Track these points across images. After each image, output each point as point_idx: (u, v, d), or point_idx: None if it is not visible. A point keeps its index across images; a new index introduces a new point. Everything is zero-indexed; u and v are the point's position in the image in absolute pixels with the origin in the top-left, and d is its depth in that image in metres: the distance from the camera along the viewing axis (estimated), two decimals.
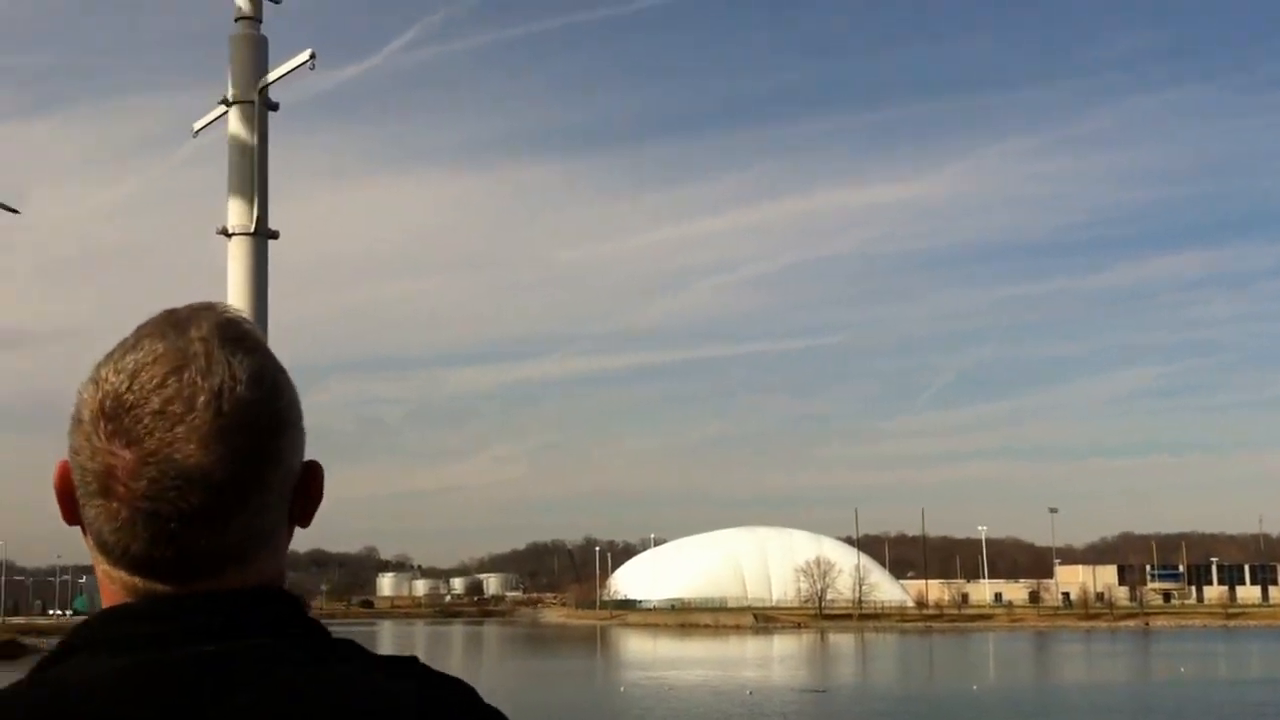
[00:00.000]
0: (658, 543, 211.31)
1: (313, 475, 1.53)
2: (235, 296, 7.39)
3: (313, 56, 7.22)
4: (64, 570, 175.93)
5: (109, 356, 1.47)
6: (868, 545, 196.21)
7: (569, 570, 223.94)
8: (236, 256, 7.47)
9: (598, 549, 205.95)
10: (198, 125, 7.81)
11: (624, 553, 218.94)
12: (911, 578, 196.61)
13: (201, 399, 1.41)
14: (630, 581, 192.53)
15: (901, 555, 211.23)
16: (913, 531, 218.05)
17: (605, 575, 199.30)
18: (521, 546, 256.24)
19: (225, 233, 7.47)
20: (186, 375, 1.42)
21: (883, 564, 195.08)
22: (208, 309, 1.51)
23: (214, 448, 1.40)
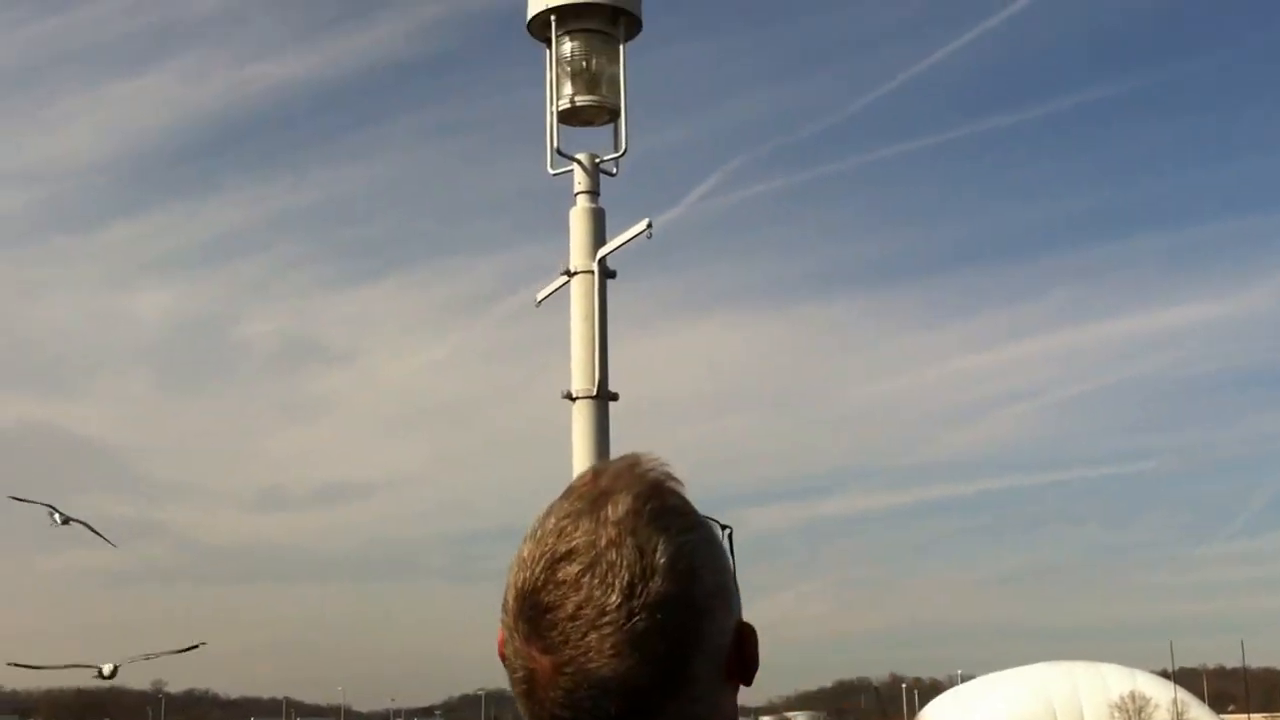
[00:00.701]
0: (965, 679, 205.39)
1: (745, 640, 1.49)
2: (581, 457, 7.69)
3: (649, 226, 7.54)
4: (397, 713, 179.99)
5: (533, 532, 1.46)
6: (1184, 678, 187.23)
7: (875, 708, 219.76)
8: (580, 420, 7.75)
9: (904, 686, 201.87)
10: (541, 295, 8.17)
11: (930, 689, 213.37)
12: (1232, 712, 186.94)
13: (613, 600, 1.39)
14: (939, 718, 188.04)
15: (1221, 688, 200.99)
16: (1232, 663, 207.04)
17: (913, 712, 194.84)
18: (828, 684, 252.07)
19: (570, 396, 7.76)
20: (599, 570, 1.40)
21: (1201, 698, 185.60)
22: (629, 472, 1.47)
23: (628, 655, 1.37)
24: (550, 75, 7.98)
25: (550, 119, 7.97)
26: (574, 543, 1.42)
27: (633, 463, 1.50)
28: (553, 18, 7.87)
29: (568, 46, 7.93)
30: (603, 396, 7.73)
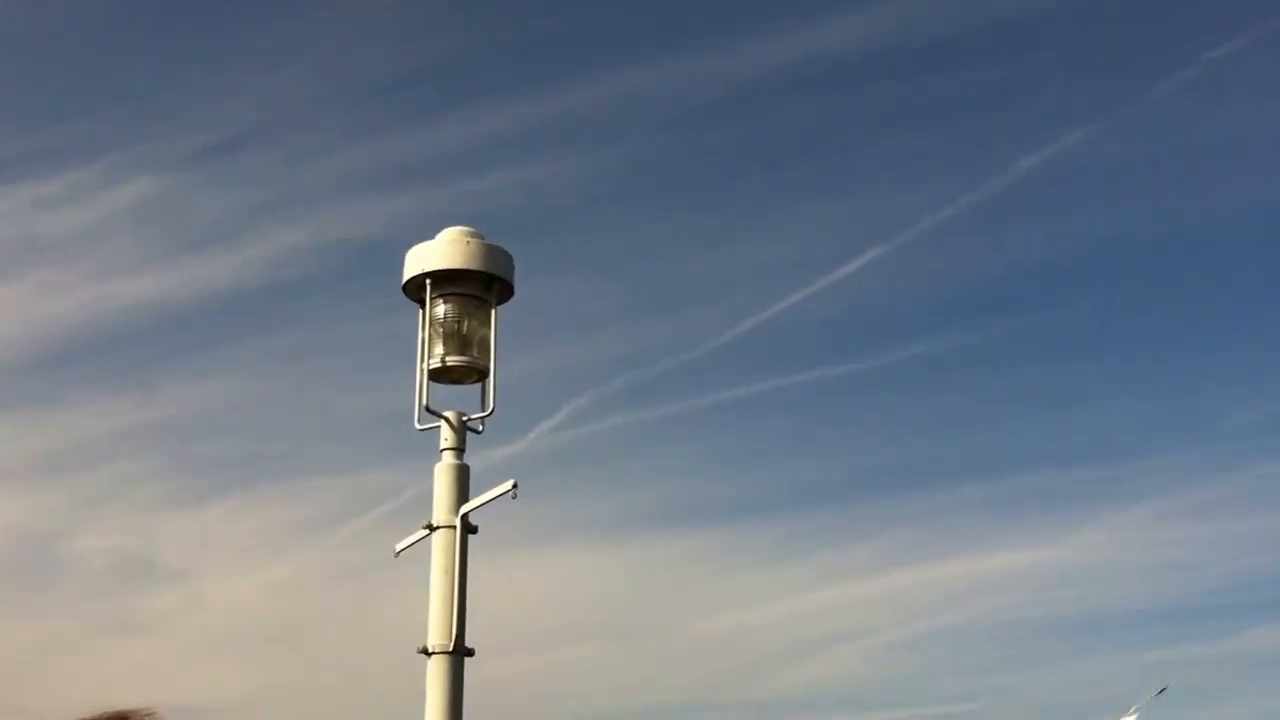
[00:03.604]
0: None
1: None
2: (434, 713, 7.70)
3: (514, 486, 7.68)
4: None
5: None
6: None
7: None
8: (435, 675, 7.73)
9: None
10: (400, 546, 8.18)
11: None
12: None
13: None
14: None
15: None
16: None
17: None
18: None
19: (425, 651, 7.78)
20: None
21: None
22: None
23: None
24: (423, 334, 8.08)
25: (421, 376, 8.06)
26: None
27: (119, 716, 1.30)
28: (428, 281, 8.06)
29: (441, 309, 8.10)
30: (459, 652, 7.75)
